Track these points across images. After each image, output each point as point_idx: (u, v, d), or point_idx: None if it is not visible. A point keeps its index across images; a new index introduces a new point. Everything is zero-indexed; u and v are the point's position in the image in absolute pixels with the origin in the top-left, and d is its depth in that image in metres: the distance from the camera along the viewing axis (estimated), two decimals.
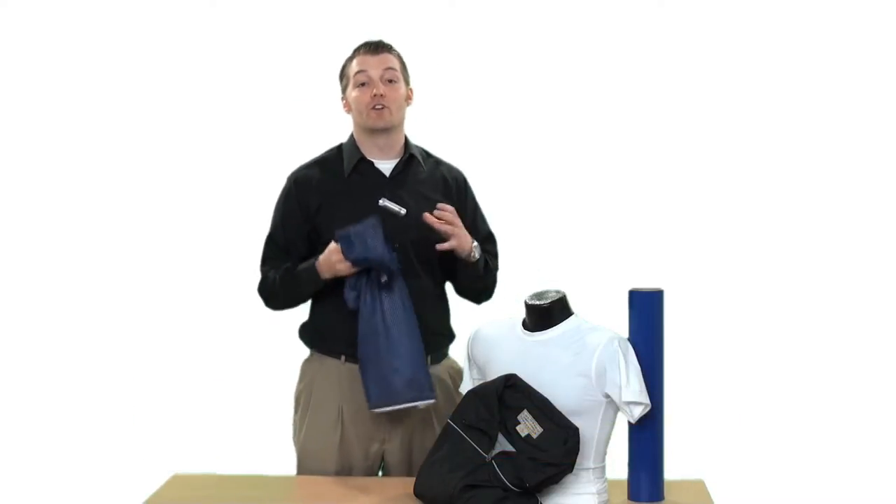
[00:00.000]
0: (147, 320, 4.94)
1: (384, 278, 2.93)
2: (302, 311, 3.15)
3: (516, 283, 3.06)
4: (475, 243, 3.01)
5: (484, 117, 4.90)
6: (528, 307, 2.72)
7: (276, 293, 3.07)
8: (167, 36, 4.97)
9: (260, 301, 3.13)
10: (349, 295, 2.95)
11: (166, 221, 4.96)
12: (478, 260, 3.02)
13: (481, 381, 2.76)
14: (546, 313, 2.70)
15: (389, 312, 2.94)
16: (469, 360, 2.86)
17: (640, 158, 4.94)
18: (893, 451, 4.64)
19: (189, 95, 4.97)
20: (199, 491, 2.89)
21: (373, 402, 2.94)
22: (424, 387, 2.93)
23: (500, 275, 3.19)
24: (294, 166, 3.15)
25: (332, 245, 2.93)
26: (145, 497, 2.84)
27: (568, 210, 4.91)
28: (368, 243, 2.89)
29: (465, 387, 2.84)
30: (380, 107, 3.01)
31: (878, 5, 4.85)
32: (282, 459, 3.23)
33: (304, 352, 3.17)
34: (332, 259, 2.93)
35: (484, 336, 2.82)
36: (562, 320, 2.71)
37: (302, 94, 4.73)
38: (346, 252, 2.90)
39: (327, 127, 3.36)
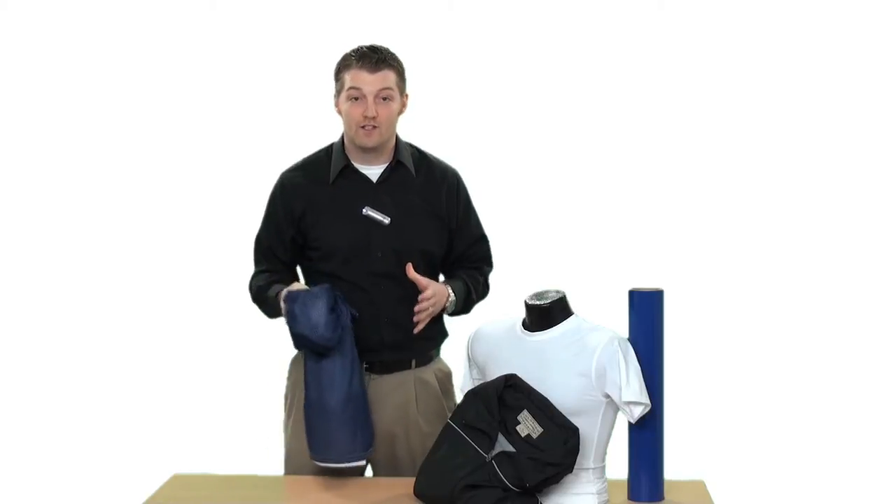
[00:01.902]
0: (146, 321, 4.94)
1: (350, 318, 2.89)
2: None
3: (516, 283, 3.06)
4: (451, 298, 3.01)
5: (484, 117, 4.90)
6: (528, 307, 2.72)
7: (256, 304, 3.10)
8: (169, 38, 4.97)
9: None
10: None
11: (167, 222, 4.97)
12: (455, 309, 3.05)
13: (481, 381, 2.76)
14: (546, 313, 2.70)
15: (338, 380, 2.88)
16: (469, 359, 2.86)
17: (639, 159, 4.95)
18: (893, 451, 4.64)
19: (192, 96, 4.97)
20: (199, 491, 2.89)
21: (314, 454, 2.91)
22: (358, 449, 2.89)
23: (500, 275, 3.19)
24: (288, 163, 3.13)
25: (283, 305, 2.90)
26: (145, 497, 2.85)
27: (567, 210, 4.91)
28: (312, 318, 2.81)
29: (465, 386, 2.84)
30: (370, 126, 2.97)
31: (877, 6, 4.85)
32: (282, 460, 3.22)
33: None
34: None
35: (484, 335, 2.82)
36: (562, 320, 2.70)
37: (301, 92, 4.72)
38: (290, 324, 2.85)
39: (325, 125, 3.35)
